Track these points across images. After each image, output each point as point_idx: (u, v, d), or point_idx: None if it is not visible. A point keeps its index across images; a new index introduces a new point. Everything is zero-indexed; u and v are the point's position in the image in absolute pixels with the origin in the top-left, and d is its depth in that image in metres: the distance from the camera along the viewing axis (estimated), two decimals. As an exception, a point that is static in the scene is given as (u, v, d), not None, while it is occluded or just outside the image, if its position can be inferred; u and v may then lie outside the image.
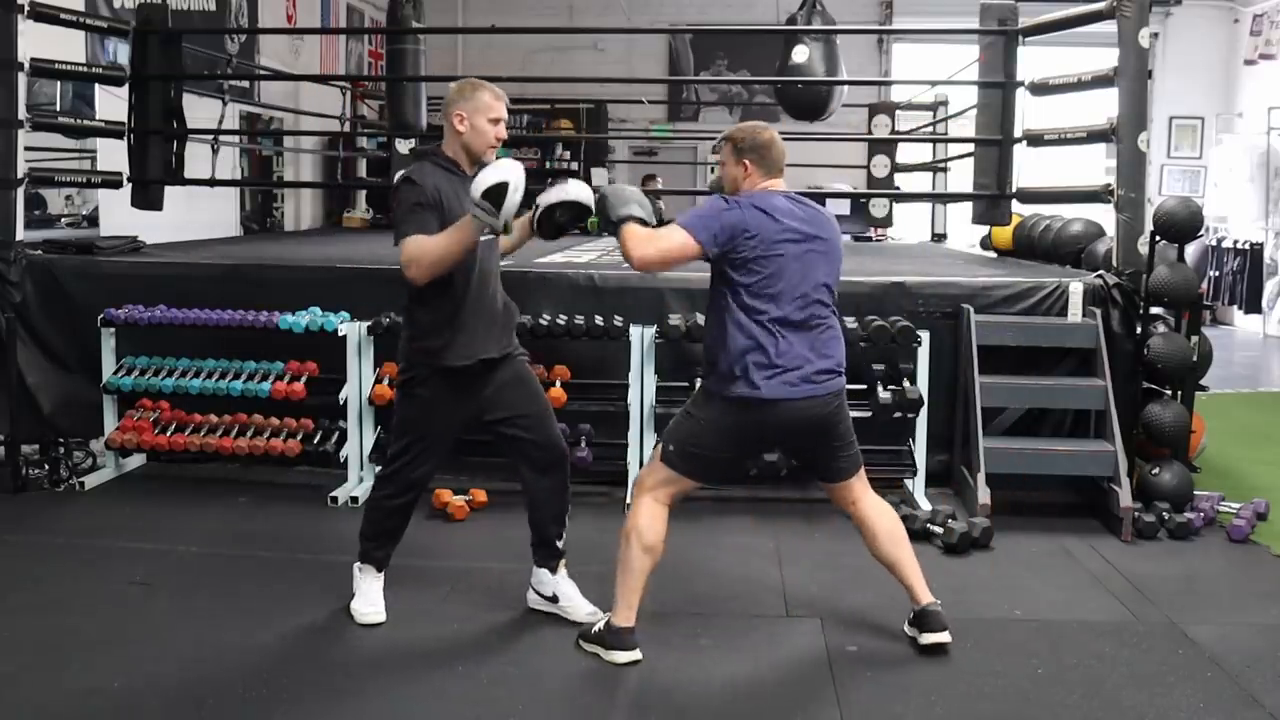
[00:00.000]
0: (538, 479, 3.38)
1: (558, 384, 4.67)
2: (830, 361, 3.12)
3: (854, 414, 4.64)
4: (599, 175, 12.39)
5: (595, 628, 3.19)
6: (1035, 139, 5.53)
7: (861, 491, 3.31)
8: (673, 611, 3.49)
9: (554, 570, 3.43)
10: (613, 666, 3.07)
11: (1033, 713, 2.88)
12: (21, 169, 5.24)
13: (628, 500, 4.53)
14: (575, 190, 3.13)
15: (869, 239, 10.98)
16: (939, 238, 10.24)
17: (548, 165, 12.69)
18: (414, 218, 3.05)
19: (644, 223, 3.11)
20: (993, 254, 7.61)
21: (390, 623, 3.34)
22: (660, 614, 3.46)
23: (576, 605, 3.37)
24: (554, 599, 3.40)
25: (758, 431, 3.17)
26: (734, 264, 3.03)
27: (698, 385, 3.35)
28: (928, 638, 3.19)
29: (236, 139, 9.07)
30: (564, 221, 3.18)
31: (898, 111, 10.09)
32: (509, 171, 2.89)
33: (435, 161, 3.19)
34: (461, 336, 3.18)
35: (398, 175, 3.19)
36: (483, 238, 3.04)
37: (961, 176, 7.52)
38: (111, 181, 5.91)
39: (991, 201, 5.95)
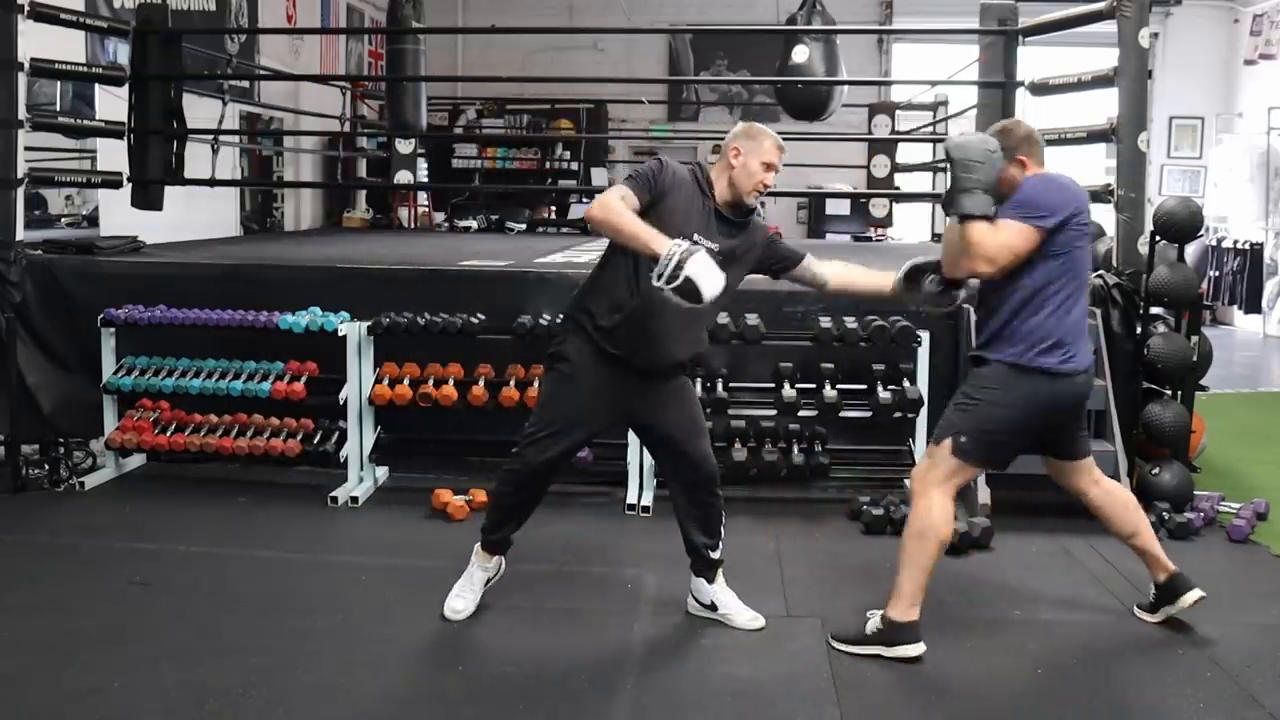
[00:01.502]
0: (683, 493, 3.36)
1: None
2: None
3: (854, 414, 4.70)
4: (599, 175, 12.42)
5: (869, 626, 3.15)
6: (1035, 139, 5.52)
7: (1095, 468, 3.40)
8: (673, 611, 3.49)
9: (711, 580, 3.40)
10: (610, 667, 3.06)
11: (1033, 713, 2.88)
12: (21, 169, 5.24)
13: (629, 501, 4.54)
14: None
15: (869, 239, 11.01)
16: (939, 238, 10.23)
17: (548, 165, 12.70)
18: (634, 181, 3.03)
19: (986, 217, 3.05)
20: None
21: (390, 623, 3.34)
22: (660, 614, 3.46)
23: (735, 613, 3.36)
24: (713, 607, 3.38)
25: (1057, 409, 3.17)
26: (1061, 242, 3.05)
27: (976, 369, 3.22)
28: (1191, 596, 3.31)
29: (236, 139, 9.08)
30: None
31: (898, 111, 10.11)
32: (710, 288, 2.80)
33: (696, 174, 3.17)
34: (627, 330, 3.11)
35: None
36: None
37: (961, 176, 7.50)
38: (111, 181, 5.91)
39: (991, 201, 5.93)
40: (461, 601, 3.36)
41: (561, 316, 3.20)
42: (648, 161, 3.12)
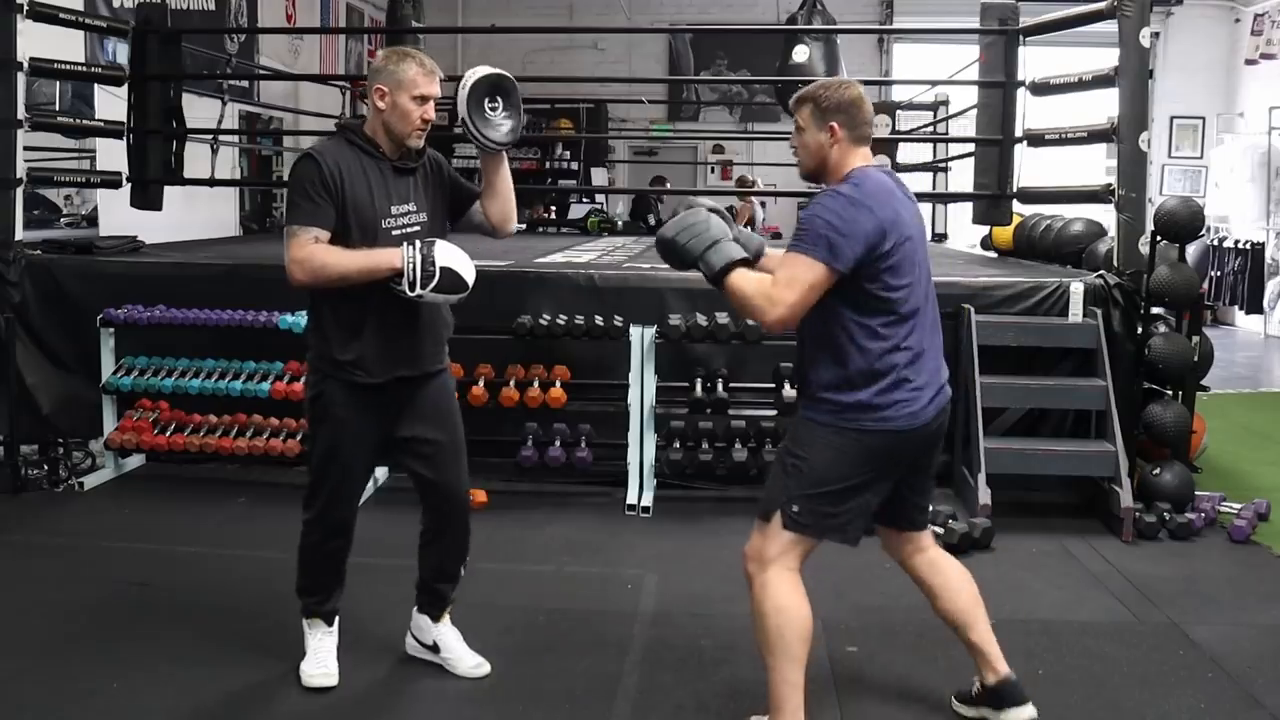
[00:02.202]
0: (432, 523, 3.04)
1: (558, 384, 4.67)
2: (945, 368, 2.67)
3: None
4: (599, 175, 12.41)
5: None
6: (1036, 139, 5.52)
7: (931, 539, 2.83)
8: (673, 611, 3.49)
9: (436, 618, 3.09)
10: (610, 667, 3.06)
11: (1033, 713, 2.88)
12: (21, 169, 5.24)
13: (629, 501, 4.53)
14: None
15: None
16: (939, 238, 10.23)
17: (548, 165, 12.70)
18: (307, 205, 2.68)
19: (745, 262, 2.52)
20: (993, 254, 7.61)
21: (390, 623, 3.33)
22: (660, 614, 3.46)
23: (459, 657, 3.04)
24: (434, 648, 3.07)
25: (899, 459, 2.57)
26: (868, 276, 2.46)
27: (800, 414, 2.64)
28: (1013, 714, 2.69)
29: (236, 139, 9.07)
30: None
31: (898, 111, 10.10)
32: (468, 269, 2.70)
33: (351, 139, 2.79)
34: (371, 351, 2.78)
35: (302, 150, 2.86)
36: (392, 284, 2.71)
37: (962, 176, 7.52)
38: (111, 181, 5.91)
39: (992, 201, 5.94)
40: (321, 667, 2.97)
41: (310, 375, 2.89)
42: (297, 168, 2.73)
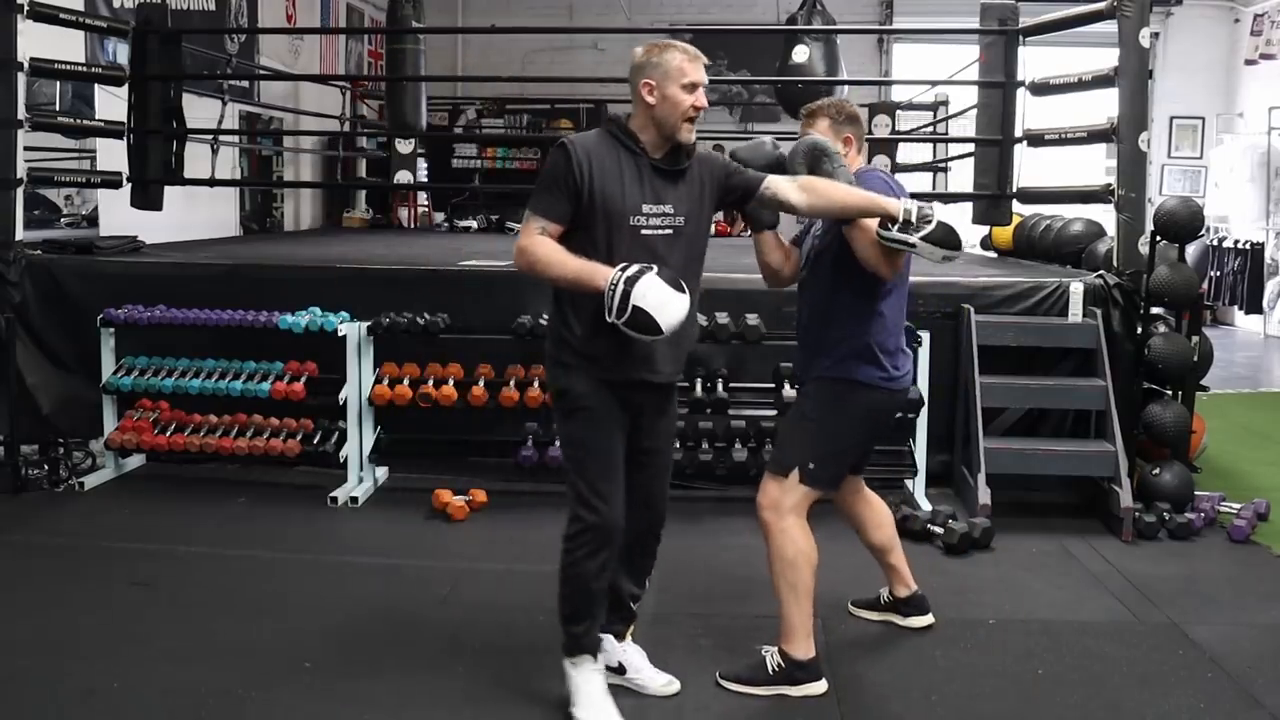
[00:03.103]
0: (628, 535, 2.81)
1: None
2: None
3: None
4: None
5: (769, 664, 2.93)
6: (1035, 139, 5.53)
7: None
8: (673, 611, 3.49)
9: (621, 636, 2.96)
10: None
11: (1033, 713, 2.88)
12: (21, 169, 5.24)
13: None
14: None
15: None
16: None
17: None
18: (544, 196, 2.64)
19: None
20: (993, 254, 7.61)
21: (390, 623, 3.34)
22: (661, 614, 3.46)
23: (648, 677, 2.92)
24: (620, 669, 2.92)
25: (890, 417, 3.15)
26: None
27: (808, 384, 3.08)
28: (918, 620, 3.35)
29: (236, 139, 9.07)
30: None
31: (898, 111, 10.10)
32: (668, 316, 2.51)
33: (613, 132, 2.71)
34: (613, 348, 2.65)
35: (560, 139, 2.72)
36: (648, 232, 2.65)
37: (962, 176, 7.53)
38: (111, 181, 5.91)
39: (992, 201, 5.94)
40: (609, 717, 2.74)
41: (555, 371, 2.79)
42: (550, 158, 2.68)
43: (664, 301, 2.51)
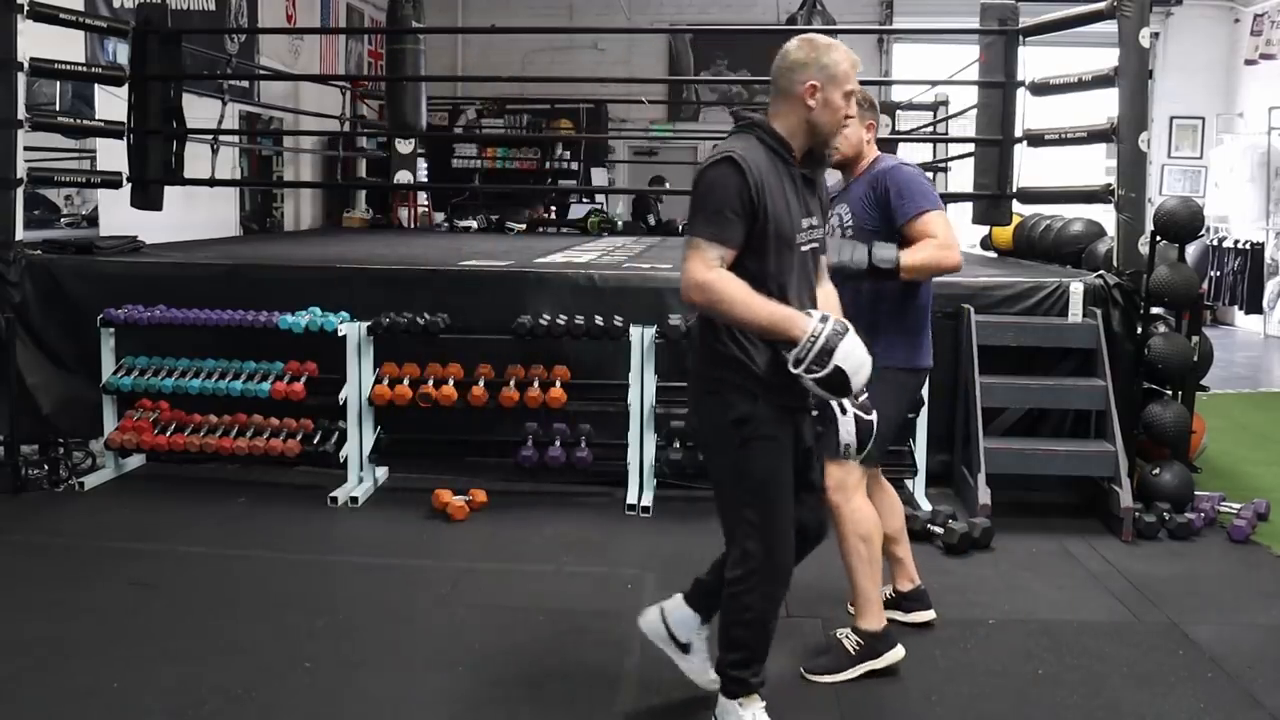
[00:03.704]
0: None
1: (558, 384, 4.67)
2: None
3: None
4: (599, 175, 12.41)
5: (849, 646, 3.02)
6: (1035, 139, 5.53)
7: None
8: (673, 612, 3.48)
9: (705, 621, 2.82)
10: (610, 667, 3.05)
11: (1033, 713, 2.88)
12: (21, 169, 5.24)
13: (629, 501, 4.53)
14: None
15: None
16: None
17: (548, 165, 12.71)
18: (719, 219, 2.39)
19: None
20: (993, 254, 7.61)
21: (390, 623, 3.34)
22: (660, 614, 3.46)
23: (700, 669, 2.83)
24: (685, 647, 2.83)
25: (918, 392, 3.45)
26: None
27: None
28: (920, 615, 3.38)
29: (236, 139, 9.08)
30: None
31: (898, 111, 10.10)
32: (860, 376, 2.39)
33: (765, 140, 2.50)
34: (792, 377, 2.44)
35: (720, 151, 2.46)
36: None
37: (962, 176, 7.52)
38: (111, 181, 5.91)
39: (992, 201, 5.94)
40: None
41: (700, 379, 2.59)
42: (716, 173, 2.41)
43: (862, 363, 2.40)
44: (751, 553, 2.52)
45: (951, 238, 3.03)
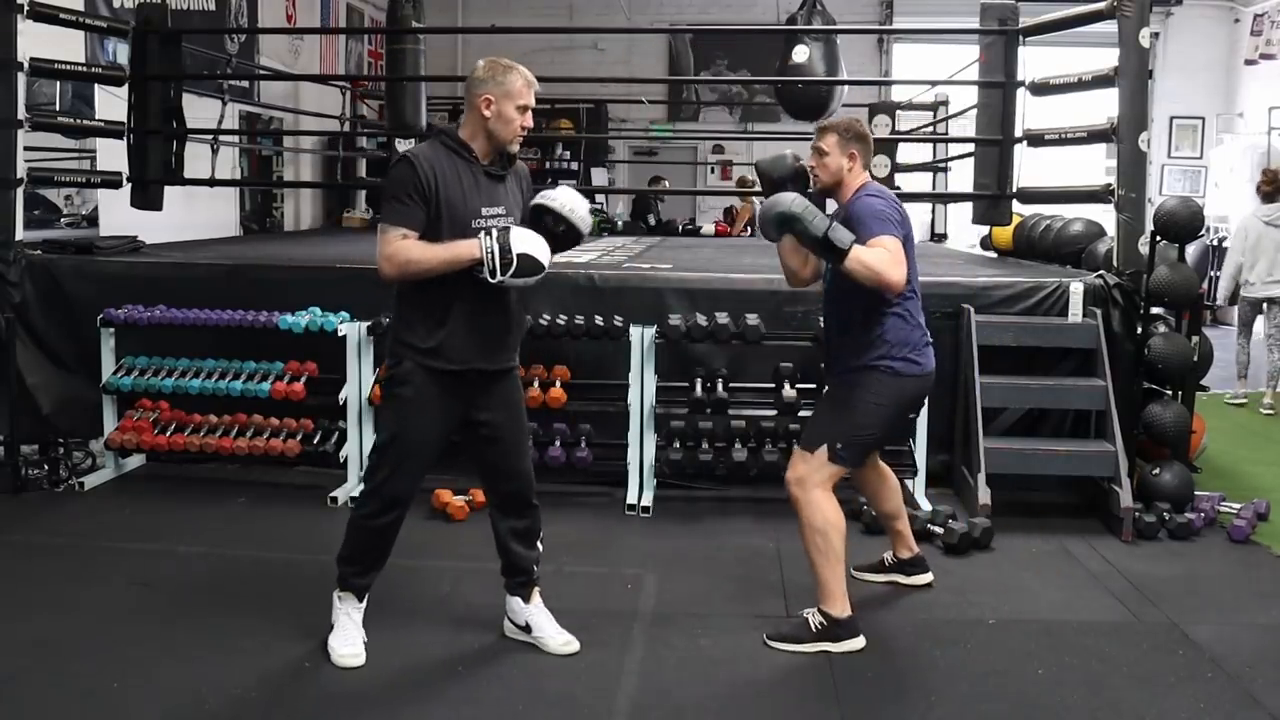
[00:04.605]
0: (499, 505, 3.23)
1: (558, 384, 4.67)
2: None
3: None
4: (599, 175, 12.40)
5: (812, 624, 3.21)
6: (1035, 139, 5.52)
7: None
8: (673, 611, 3.49)
9: (527, 599, 3.23)
10: (610, 667, 3.07)
11: (1033, 713, 2.88)
12: (21, 169, 5.24)
13: (629, 501, 4.53)
14: (563, 200, 3.04)
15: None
16: (939, 238, 10.23)
17: (548, 165, 12.71)
18: (399, 206, 2.89)
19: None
20: (993, 254, 7.61)
21: (391, 623, 3.34)
22: (660, 614, 3.46)
23: (549, 635, 3.18)
24: (527, 628, 3.21)
25: (916, 403, 3.47)
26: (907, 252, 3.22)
27: (840, 376, 3.37)
28: (921, 578, 3.68)
29: (236, 139, 9.07)
30: (557, 232, 3.03)
31: (898, 111, 10.09)
32: (543, 251, 2.89)
33: (446, 142, 2.98)
34: (453, 340, 2.96)
35: (401, 151, 3.04)
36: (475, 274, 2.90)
37: (962, 176, 7.51)
38: (111, 181, 5.91)
39: (992, 201, 5.94)
40: (351, 647, 3.08)
41: (390, 358, 3.06)
42: (394, 170, 2.95)
43: (538, 244, 2.88)
44: (369, 480, 3.14)
45: (900, 260, 3.13)
